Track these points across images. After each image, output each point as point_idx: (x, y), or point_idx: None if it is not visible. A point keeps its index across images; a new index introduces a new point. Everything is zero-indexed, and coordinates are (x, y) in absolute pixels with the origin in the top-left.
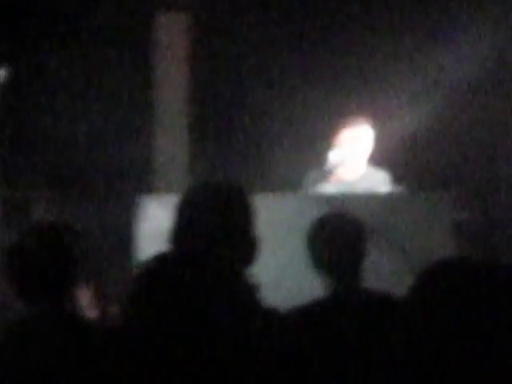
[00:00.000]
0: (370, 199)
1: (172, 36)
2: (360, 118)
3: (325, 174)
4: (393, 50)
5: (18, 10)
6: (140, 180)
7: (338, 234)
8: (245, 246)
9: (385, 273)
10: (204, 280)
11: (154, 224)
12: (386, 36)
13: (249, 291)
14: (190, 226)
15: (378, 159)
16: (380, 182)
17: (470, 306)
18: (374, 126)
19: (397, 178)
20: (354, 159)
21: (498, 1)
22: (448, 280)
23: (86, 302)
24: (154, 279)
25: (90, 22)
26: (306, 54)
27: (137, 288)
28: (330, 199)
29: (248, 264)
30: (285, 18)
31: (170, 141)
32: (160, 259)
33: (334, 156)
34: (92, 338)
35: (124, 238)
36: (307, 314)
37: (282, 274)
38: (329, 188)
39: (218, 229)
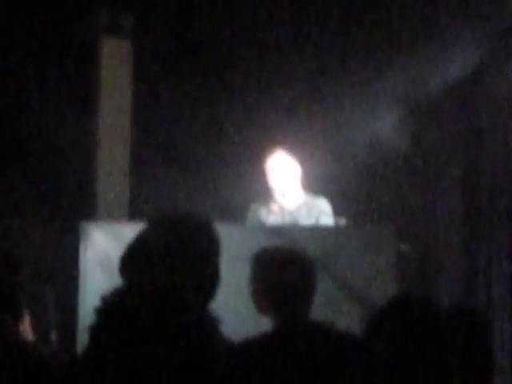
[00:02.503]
0: (315, 231)
1: (116, 60)
2: (282, 148)
3: (267, 204)
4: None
5: None
6: (84, 208)
7: (289, 267)
8: (213, 281)
9: (329, 305)
10: (168, 317)
11: (98, 250)
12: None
13: (212, 325)
14: (155, 257)
15: (319, 190)
16: (321, 212)
17: (420, 343)
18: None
19: (337, 209)
20: (289, 188)
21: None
22: (403, 320)
23: (26, 326)
24: (116, 314)
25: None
26: (236, 95)
27: (99, 321)
28: (274, 231)
29: (211, 298)
30: (219, 50)
31: (114, 170)
32: (122, 293)
33: (272, 185)
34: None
35: (69, 262)
36: (256, 349)
37: (228, 305)
38: (272, 218)
39: (184, 262)
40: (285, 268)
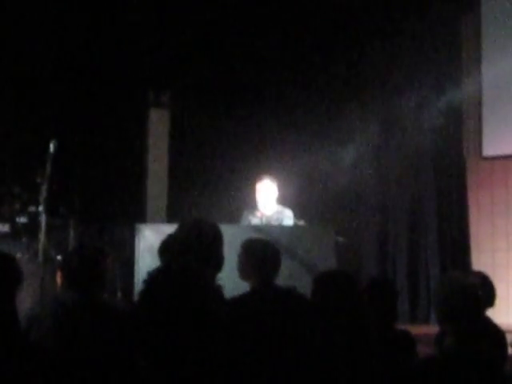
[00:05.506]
0: (283, 229)
1: (159, 124)
2: (267, 176)
3: (253, 211)
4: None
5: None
6: (138, 214)
7: (266, 251)
8: (219, 261)
9: (291, 276)
10: (194, 284)
11: (147, 241)
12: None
13: (218, 289)
14: (181, 247)
15: (286, 203)
16: (286, 216)
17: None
18: (283, 183)
19: (297, 215)
20: (268, 201)
21: None
22: (332, 285)
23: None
24: (158, 283)
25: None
26: (240, 147)
27: (145, 288)
28: (257, 228)
29: (218, 272)
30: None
31: (157, 190)
32: (161, 270)
33: (258, 200)
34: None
35: (128, 250)
36: (240, 302)
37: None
38: (255, 220)
39: (199, 249)
40: (261, 250)
